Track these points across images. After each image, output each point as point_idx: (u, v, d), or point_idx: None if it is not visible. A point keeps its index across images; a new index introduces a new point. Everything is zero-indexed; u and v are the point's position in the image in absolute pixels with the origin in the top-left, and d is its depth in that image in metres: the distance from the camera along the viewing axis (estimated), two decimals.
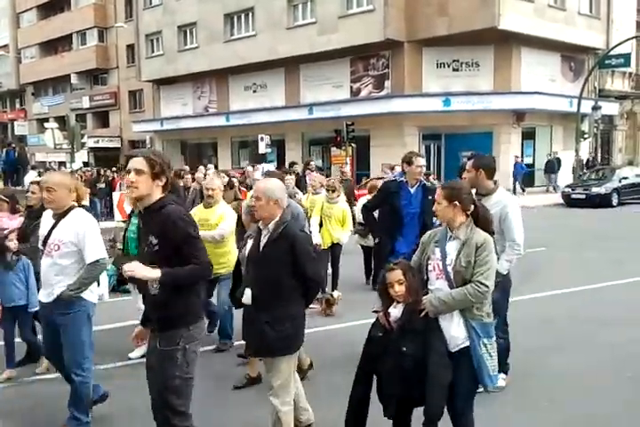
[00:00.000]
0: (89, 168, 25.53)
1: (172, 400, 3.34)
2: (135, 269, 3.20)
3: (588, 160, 28.24)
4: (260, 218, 4.00)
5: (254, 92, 31.36)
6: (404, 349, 3.54)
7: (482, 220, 3.71)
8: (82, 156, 25.23)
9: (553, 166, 26.41)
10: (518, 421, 4.59)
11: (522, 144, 26.57)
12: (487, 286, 3.51)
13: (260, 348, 3.95)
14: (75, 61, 43.17)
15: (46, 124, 26.05)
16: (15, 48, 49.51)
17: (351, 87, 27.39)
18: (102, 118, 44.52)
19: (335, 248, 8.45)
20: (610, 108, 28.64)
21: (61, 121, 28.69)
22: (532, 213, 17.12)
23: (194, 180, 12.14)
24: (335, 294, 7.80)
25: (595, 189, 20.85)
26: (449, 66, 25.52)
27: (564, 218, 18.39)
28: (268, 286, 3.84)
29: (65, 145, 23.37)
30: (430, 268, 3.73)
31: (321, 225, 8.34)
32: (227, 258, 6.02)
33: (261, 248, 3.92)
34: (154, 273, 3.22)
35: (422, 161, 5.92)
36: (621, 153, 32.44)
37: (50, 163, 36.19)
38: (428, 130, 25.69)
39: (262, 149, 26.50)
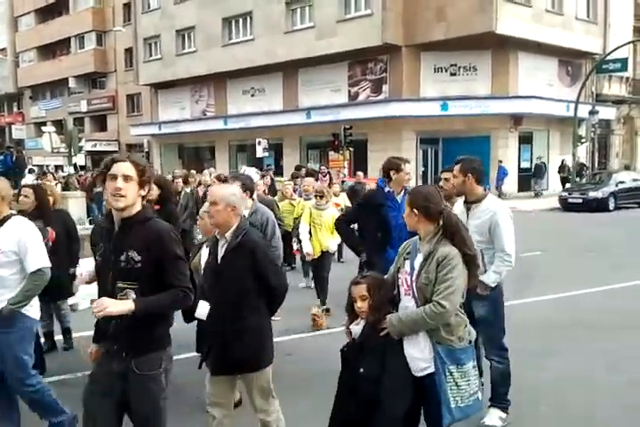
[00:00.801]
0: (82, 172, 25.46)
1: (161, 424, 3.13)
2: (108, 305, 2.84)
3: (580, 165, 27.65)
4: (215, 225, 3.75)
5: (252, 96, 31.40)
6: (362, 370, 3.27)
7: (458, 239, 3.31)
8: (79, 159, 25.22)
9: (539, 171, 26.53)
10: (514, 425, 4.57)
11: (519, 148, 26.63)
12: (444, 307, 3.13)
13: (224, 365, 3.64)
14: (73, 65, 43.22)
15: (44, 128, 26.05)
16: (13, 52, 49.55)
17: (349, 91, 27.44)
18: (100, 122, 44.53)
19: (325, 256, 7.93)
20: (607, 112, 28.73)
21: (59, 125, 28.73)
22: (528, 218, 17.15)
23: (185, 182, 11.96)
24: (316, 308, 7.29)
25: (592, 194, 20.87)
26: (446, 70, 25.59)
27: (561, 222, 18.40)
28: (228, 298, 3.58)
29: (62, 149, 23.36)
30: (400, 282, 3.44)
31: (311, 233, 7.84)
32: None
33: (220, 258, 3.68)
34: (128, 305, 2.89)
35: (409, 167, 5.49)
36: (618, 158, 32.52)
37: (47, 166, 36.18)
38: (425, 134, 25.74)
39: (260, 152, 26.52)
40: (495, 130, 25.28)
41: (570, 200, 21.27)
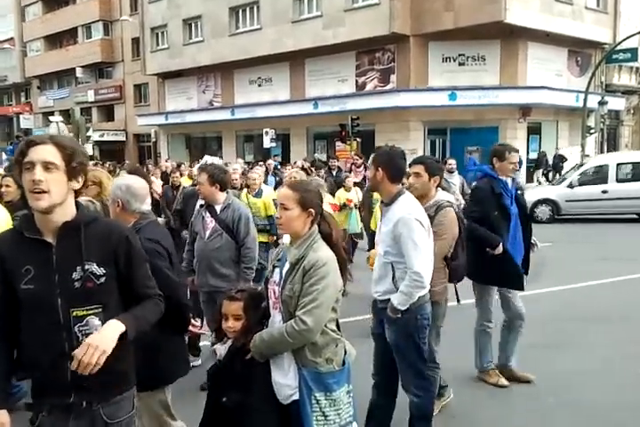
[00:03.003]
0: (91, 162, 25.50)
1: None
2: (99, 344, 2.13)
3: (557, 157, 26.40)
4: None
5: (259, 86, 31.30)
6: (224, 399, 2.85)
7: (335, 245, 2.92)
8: (87, 149, 25.26)
9: (541, 163, 26.42)
10: (523, 418, 4.56)
11: (528, 139, 26.48)
12: (306, 324, 2.68)
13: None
14: (80, 55, 43.15)
15: (51, 118, 26.07)
16: (20, 41, 49.50)
17: (356, 81, 27.31)
18: (107, 112, 44.52)
19: None
20: (616, 103, 28.49)
21: (66, 114, 28.70)
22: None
23: (181, 175, 11.71)
24: None
25: None
26: (455, 60, 25.40)
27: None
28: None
29: None
30: (269, 294, 2.98)
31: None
32: None
33: None
34: (118, 329, 2.23)
35: (516, 157, 4.95)
36: (627, 148, 32.29)
37: None
38: (433, 124, 25.61)
39: (267, 143, 26.48)
40: (503, 120, 25.11)
41: None
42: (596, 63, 26.90)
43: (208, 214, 4.95)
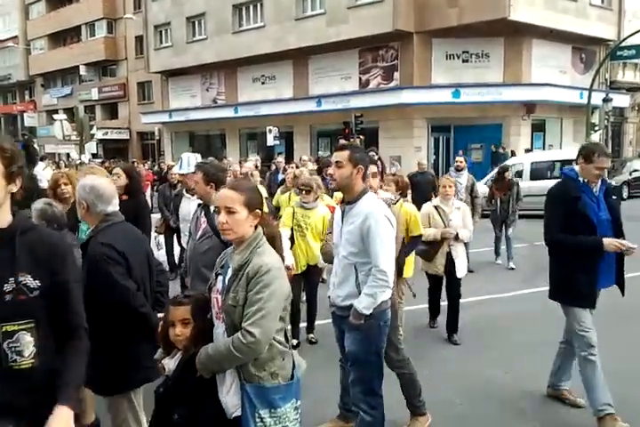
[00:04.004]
0: (96, 160, 25.54)
1: None
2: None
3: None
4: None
5: (263, 83, 31.28)
6: (175, 416, 2.68)
7: (276, 245, 2.77)
8: (91, 147, 25.31)
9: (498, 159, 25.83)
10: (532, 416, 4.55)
11: (531, 136, 26.42)
12: (254, 337, 2.50)
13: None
14: (83, 53, 43.22)
15: (55, 116, 26.12)
16: (24, 39, 49.59)
17: (360, 79, 27.27)
18: (111, 110, 44.57)
19: (312, 272, 6.29)
20: (621, 100, 28.37)
21: (70, 112, 28.74)
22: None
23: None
24: (311, 338, 6.33)
25: None
26: (458, 57, 25.34)
27: None
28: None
29: (74, 137, 23.45)
30: (213, 303, 2.77)
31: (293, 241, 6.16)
32: None
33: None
34: (68, 414, 2.06)
35: (606, 162, 4.25)
36: (632, 146, 32.19)
37: (58, 154, 36.33)
38: (437, 122, 25.56)
39: (270, 141, 26.48)
40: (507, 118, 25.06)
41: None
42: (600, 60, 26.80)
43: (203, 214, 4.72)
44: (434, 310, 6.89)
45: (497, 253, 10.85)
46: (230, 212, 2.64)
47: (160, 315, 3.02)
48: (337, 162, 3.59)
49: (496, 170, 11.48)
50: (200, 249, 4.52)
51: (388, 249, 3.49)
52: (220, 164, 5.69)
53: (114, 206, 3.38)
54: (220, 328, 2.70)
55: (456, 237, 6.27)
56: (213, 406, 2.67)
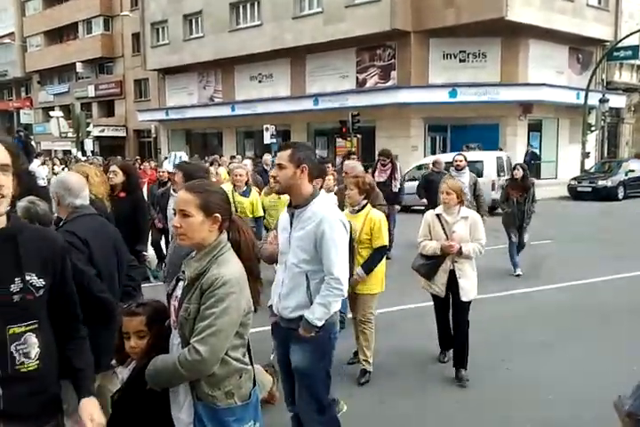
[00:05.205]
0: (95, 157, 25.46)
1: None
2: (96, 418, 2.12)
3: (529, 154, 24.75)
4: None
5: (260, 82, 31.26)
6: None
7: (247, 257, 2.56)
8: (88, 145, 25.26)
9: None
10: (522, 417, 4.57)
11: (528, 136, 26.47)
12: (200, 354, 2.30)
13: None
14: (80, 50, 43.09)
15: (52, 113, 26.11)
16: (21, 36, 49.43)
17: (357, 78, 27.27)
18: (107, 107, 44.47)
19: None
20: (617, 100, 28.47)
21: (66, 110, 28.72)
22: (537, 205, 17.08)
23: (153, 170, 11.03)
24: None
25: (601, 182, 20.78)
26: (455, 57, 25.37)
27: (571, 211, 18.35)
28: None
29: (70, 134, 23.43)
30: (171, 310, 2.56)
31: None
32: None
33: None
34: (97, 405, 2.18)
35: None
36: (628, 146, 32.28)
37: (54, 151, 36.29)
38: (433, 121, 25.59)
39: (267, 139, 26.47)
40: (504, 118, 25.09)
41: (579, 189, 21.23)
42: (597, 61, 26.90)
43: None
44: (443, 339, 5.68)
45: (514, 263, 9.17)
46: (184, 215, 2.42)
47: (125, 305, 2.87)
48: (278, 164, 3.33)
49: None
50: (180, 252, 4.20)
51: (343, 256, 3.28)
52: (200, 163, 5.56)
53: (82, 199, 3.49)
54: (175, 339, 2.50)
55: (460, 252, 5.13)
56: (165, 422, 2.46)
